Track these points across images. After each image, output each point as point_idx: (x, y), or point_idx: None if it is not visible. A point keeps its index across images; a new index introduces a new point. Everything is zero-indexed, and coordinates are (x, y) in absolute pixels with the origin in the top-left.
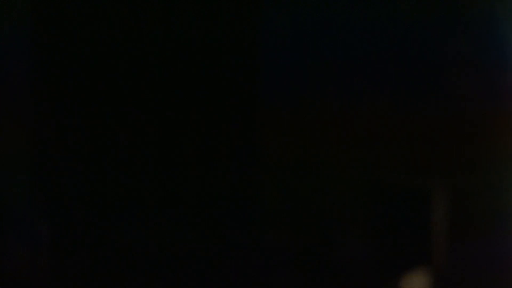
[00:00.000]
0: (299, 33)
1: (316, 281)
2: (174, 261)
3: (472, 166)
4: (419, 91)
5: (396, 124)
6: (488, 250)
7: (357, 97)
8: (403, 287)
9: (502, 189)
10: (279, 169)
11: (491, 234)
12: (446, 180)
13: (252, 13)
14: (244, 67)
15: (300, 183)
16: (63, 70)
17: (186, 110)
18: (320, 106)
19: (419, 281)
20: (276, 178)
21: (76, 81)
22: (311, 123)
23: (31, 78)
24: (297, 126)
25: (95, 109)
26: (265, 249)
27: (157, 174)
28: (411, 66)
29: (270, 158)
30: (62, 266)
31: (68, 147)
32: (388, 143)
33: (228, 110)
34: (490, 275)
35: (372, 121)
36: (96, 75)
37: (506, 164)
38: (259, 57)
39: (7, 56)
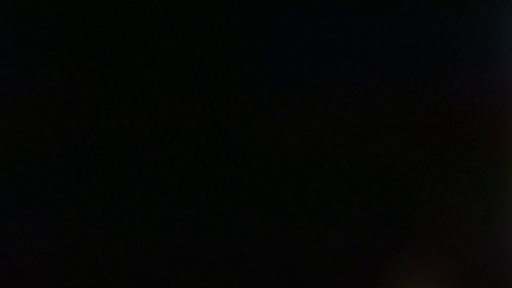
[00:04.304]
0: (291, 33)
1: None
2: (174, 261)
3: (471, 164)
4: (415, 90)
5: (392, 122)
6: (486, 247)
7: (355, 94)
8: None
9: (501, 187)
10: (273, 168)
11: (489, 232)
12: (444, 178)
13: (245, 12)
14: (237, 66)
15: (294, 181)
16: (64, 71)
17: (183, 109)
18: (315, 104)
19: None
20: (269, 176)
21: (77, 82)
22: (305, 121)
23: (37, 78)
24: (291, 124)
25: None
26: (263, 247)
27: (153, 173)
28: (406, 65)
29: (264, 157)
30: (63, 267)
31: (70, 148)
32: (385, 141)
33: (221, 109)
34: (488, 273)
35: (371, 119)
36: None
37: (504, 163)
38: (254, 56)
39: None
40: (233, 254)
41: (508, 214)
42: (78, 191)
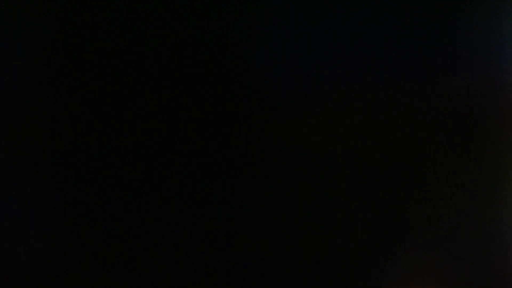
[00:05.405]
0: (292, 32)
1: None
2: (174, 261)
3: (471, 164)
4: (415, 90)
5: (393, 122)
6: (486, 247)
7: (355, 94)
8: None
9: (501, 187)
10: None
11: (489, 232)
12: (444, 178)
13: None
14: (237, 67)
15: (293, 182)
16: (66, 72)
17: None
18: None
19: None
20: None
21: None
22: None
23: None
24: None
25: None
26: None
27: (154, 173)
28: (406, 66)
29: (263, 159)
30: (65, 267)
31: (70, 148)
32: (385, 141)
33: (221, 110)
34: (487, 271)
35: (370, 119)
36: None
37: (504, 163)
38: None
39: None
40: (233, 254)
41: (508, 214)
42: (77, 191)
